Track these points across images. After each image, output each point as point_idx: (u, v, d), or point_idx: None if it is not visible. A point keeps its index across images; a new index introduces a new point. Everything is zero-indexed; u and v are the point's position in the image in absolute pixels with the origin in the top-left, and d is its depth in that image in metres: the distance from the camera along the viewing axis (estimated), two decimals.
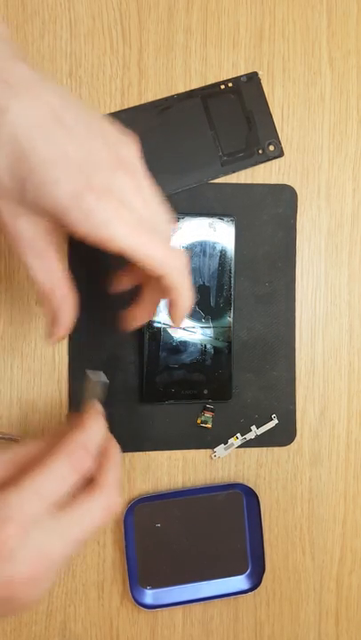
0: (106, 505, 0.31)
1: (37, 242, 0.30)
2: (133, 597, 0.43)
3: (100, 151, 0.29)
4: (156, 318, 0.41)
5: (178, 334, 0.42)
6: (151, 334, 0.42)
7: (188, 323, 0.42)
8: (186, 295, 0.32)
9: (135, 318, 0.37)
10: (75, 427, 0.32)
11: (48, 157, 0.27)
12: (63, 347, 0.43)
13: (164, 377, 0.42)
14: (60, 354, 0.43)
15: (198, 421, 0.44)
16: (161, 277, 0.31)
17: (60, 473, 0.30)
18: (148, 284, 0.35)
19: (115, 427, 0.43)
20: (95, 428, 0.33)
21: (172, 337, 0.42)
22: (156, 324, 0.42)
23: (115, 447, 0.34)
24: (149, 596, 0.44)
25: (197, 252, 0.42)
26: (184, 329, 0.42)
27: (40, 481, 0.29)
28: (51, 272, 0.31)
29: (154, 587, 0.44)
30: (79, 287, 0.43)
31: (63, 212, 0.28)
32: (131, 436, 0.43)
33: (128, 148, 0.31)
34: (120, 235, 0.28)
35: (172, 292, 0.32)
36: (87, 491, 0.31)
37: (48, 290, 0.32)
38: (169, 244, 0.32)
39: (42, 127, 0.27)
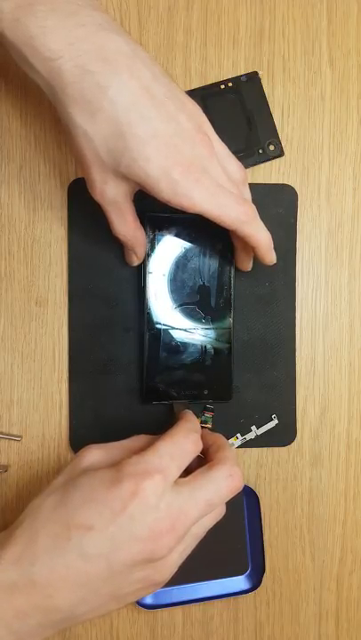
0: (227, 473, 0.33)
1: (118, 202, 0.35)
2: None
3: (185, 123, 0.33)
4: (156, 319, 0.41)
5: (178, 335, 0.42)
6: (151, 335, 0.42)
7: (188, 323, 0.42)
8: (260, 239, 0.37)
9: (239, 262, 0.42)
10: (180, 418, 0.36)
11: (142, 136, 0.31)
12: (63, 347, 0.43)
13: (165, 377, 0.42)
14: (60, 354, 0.43)
15: (198, 421, 0.44)
16: (235, 230, 0.35)
17: (183, 446, 0.33)
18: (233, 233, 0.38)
19: (115, 427, 0.44)
20: (195, 419, 0.37)
21: (172, 337, 0.42)
22: (156, 325, 0.42)
23: (220, 436, 0.37)
24: (149, 596, 0.44)
25: (197, 252, 0.42)
26: (185, 330, 0.42)
27: (171, 447, 0.32)
28: (127, 224, 0.37)
29: None
30: (80, 288, 0.43)
31: (152, 184, 0.32)
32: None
33: (201, 115, 0.35)
34: (199, 200, 0.33)
35: (248, 239, 0.36)
36: (207, 467, 0.33)
37: (125, 237, 0.38)
38: (240, 198, 0.35)
39: (137, 104, 0.31)
